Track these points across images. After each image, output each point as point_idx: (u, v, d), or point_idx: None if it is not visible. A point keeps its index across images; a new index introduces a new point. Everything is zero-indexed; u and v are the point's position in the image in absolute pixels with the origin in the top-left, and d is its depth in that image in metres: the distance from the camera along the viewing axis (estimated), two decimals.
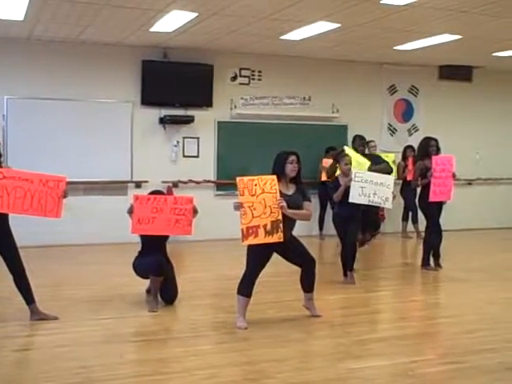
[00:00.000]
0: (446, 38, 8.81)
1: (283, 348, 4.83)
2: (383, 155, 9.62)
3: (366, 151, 9.34)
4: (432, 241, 7.99)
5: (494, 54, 10.22)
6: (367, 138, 9.53)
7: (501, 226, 12.04)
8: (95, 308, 5.94)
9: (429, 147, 7.86)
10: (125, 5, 7.22)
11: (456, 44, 9.20)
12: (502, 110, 12.25)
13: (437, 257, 8.08)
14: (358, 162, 7.76)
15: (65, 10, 7.52)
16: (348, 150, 7.92)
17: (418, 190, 8.15)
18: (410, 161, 10.38)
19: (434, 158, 7.68)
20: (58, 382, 4.10)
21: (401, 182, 10.52)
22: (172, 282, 6.05)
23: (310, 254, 5.54)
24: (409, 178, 9.74)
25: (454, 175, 7.72)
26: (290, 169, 5.34)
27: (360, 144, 8.17)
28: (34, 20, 8.04)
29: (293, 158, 5.35)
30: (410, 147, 10.53)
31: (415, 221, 10.71)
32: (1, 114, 9.28)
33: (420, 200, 8.06)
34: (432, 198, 7.60)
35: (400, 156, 10.82)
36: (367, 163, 7.93)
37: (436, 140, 7.96)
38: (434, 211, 7.83)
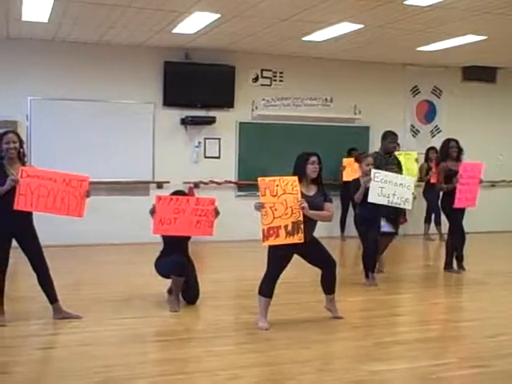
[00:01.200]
0: (470, 38, 8.73)
1: (304, 349, 4.82)
2: (404, 154, 9.56)
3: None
4: (455, 243, 7.92)
5: None
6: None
7: None
8: (117, 307, 5.98)
9: (449, 148, 7.79)
10: (147, 7, 7.27)
11: (480, 45, 9.11)
12: None
13: (460, 259, 8.01)
14: (407, 168, 7.76)
15: (88, 12, 7.59)
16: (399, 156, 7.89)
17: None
18: (433, 162, 10.28)
19: (462, 164, 7.61)
20: (80, 381, 4.12)
21: (424, 183, 10.45)
22: (194, 282, 6.06)
23: (330, 255, 5.52)
24: (432, 180, 9.65)
25: (480, 181, 7.65)
26: (311, 170, 5.33)
27: (392, 141, 7.85)
28: (58, 22, 8.13)
29: (314, 158, 5.34)
30: (432, 148, 10.43)
31: (438, 223, 10.63)
32: (24, 114, 9.39)
33: (443, 203, 7.98)
34: (457, 204, 7.52)
35: (423, 157, 10.73)
36: (415, 167, 7.89)
37: (456, 141, 7.88)
38: (457, 214, 7.76)
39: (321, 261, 5.49)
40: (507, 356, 4.76)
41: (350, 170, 9.41)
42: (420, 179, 10.02)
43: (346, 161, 10.14)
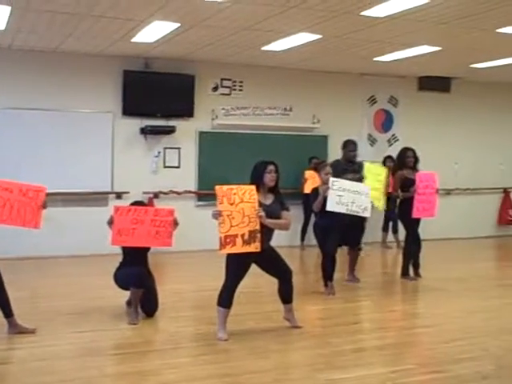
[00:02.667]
0: (426, 49, 8.91)
1: (263, 359, 4.84)
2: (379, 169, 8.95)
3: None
4: (411, 250, 8.05)
5: (472, 66, 10.36)
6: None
7: (479, 236, 12.17)
8: (74, 321, 5.89)
9: (406, 158, 7.94)
10: (106, 15, 7.21)
11: (435, 55, 9.31)
12: (479, 120, 12.41)
13: (416, 266, 8.14)
14: (375, 173, 7.76)
15: (46, 21, 7.50)
16: (367, 164, 7.88)
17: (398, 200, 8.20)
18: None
19: (417, 174, 7.75)
20: None
21: None
22: (153, 293, 6.02)
23: (286, 264, 5.56)
24: (390, 189, 9.76)
25: (437, 191, 7.80)
26: (269, 179, 5.36)
27: (352, 149, 7.96)
28: (15, 29, 8.01)
29: (271, 167, 5.37)
30: (389, 157, 10.58)
31: (395, 231, 10.79)
32: None
33: (400, 211, 8.13)
34: (415, 214, 7.65)
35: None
36: (384, 172, 7.90)
37: (413, 150, 8.03)
38: (413, 222, 7.90)
39: (277, 270, 5.52)
40: (462, 361, 4.85)
41: (311, 183, 9.40)
42: None
43: (308, 173, 10.21)
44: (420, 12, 6.82)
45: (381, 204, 7.99)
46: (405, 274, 8.08)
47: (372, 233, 10.95)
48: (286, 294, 5.60)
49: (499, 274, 9.27)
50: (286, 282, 5.54)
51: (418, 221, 7.95)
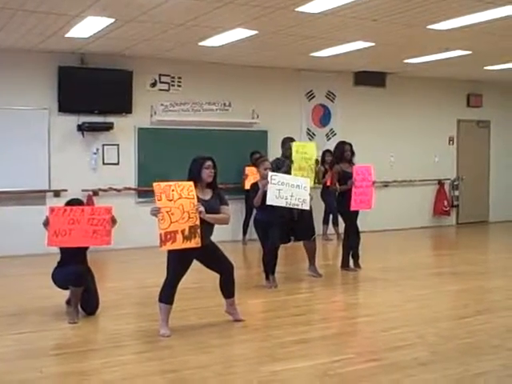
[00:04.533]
0: (360, 45, 9.09)
1: (206, 354, 4.85)
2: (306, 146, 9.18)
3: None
4: (351, 243, 8.22)
5: (405, 61, 10.63)
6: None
7: (415, 227, 12.54)
8: (11, 322, 5.77)
9: (343, 152, 8.10)
10: (38, 10, 7.05)
11: (369, 51, 9.51)
12: (414, 114, 12.76)
13: (356, 258, 8.31)
14: (302, 152, 7.69)
15: None
16: (294, 143, 7.80)
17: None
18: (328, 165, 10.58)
19: (354, 167, 7.90)
20: None
21: (321, 186, 10.72)
22: (93, 292, 5.95)
23: (228, 259, 5.59)
24: (328, 182, 9.90)
25: (373, 183, 7.98)
26: (207, 174, 5.37)
27: (290, 146, 8.07)
28: None
29: (209, 163, 5.38)
30: (328, 151, 10.74)
31: (335, 223, 10.99)
32: None
33: (338, 204, 8.28)
34: (353, 207, 7.82)
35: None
36: (312, 148, 7.82)
37: (350, 144, 8.21)
38: (351, 214, 8.07)
39: (219, 265, 5.54)
40: (399, 348, 5.00)
41: (252, 179, 9.44)
42: (318, 182, 10.23)
43: (249, 169, 10.24)
44: (352, 8, 6.96)
45: (311, 180, 7.76)
46: (345, 265, 8.24)
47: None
48: (227, 289, 5.63)
49: (435, 263, 9.57)
50: (227, 276, 5.57)
51: (356, 213, 8.12)
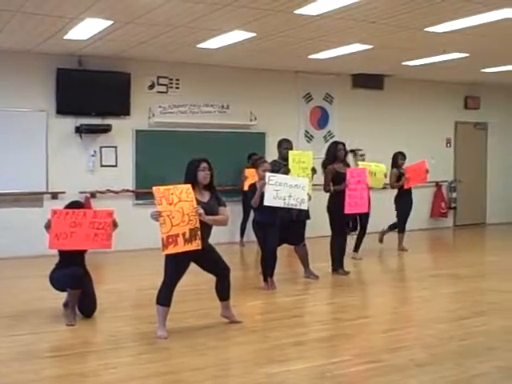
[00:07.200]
0: (358, 47, 9.10)
1: (203, 356, 4.86)
2: (374, 165, 9.23)
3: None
4: (338, 245, 8.10)
5: (403, 63, 10.65)
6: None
7: (413, 229, 12.46)
8: (10, 324, 5.77)
9: (337, 151, 8.08)
10: (36, 12, 7.06)
11: (367, 53, 9.52)
12: (411, 116, 12.77)
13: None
14: (299, 161, 7.65)
15: None
16: (291, 152, 7.79)
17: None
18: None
19: (348, 170, 7.88)
20: None
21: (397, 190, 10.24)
22: (90, 294, 5.95)
23: (224, 262, 5.60)
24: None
25: (368, 186, 7.94)
26: (203, 176, 5.38)
27: (286, 147, 8.06)
28: None
29: (204, 165, 5.39)
30: (400, 153, 10.23)
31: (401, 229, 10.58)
32: None
33: (329, 205, 8.08)
34: (347, 209, 7.73)
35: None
36: (310, 157, 7.77)
37: (343, 143, 8.20)
38: (342, 217, 7.93)
39: (215, 268, 5.55)
40: (396, 350, 5.01)
41: (252, 180, 9.39)
42: (391, 186, 10.00)
43: (248, 171, 10.20)
44: (350, 11, 6.97)
45: (309, 190, 7.80)
46: (335, 269, 8.13)
47: (313, 227, 11.10)
48: (223, 291, 5.63)
49: (432, 265, 9.58)
50: (223, 279, 5.58)
51: (345, 217, 8.00)
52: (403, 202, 10.05)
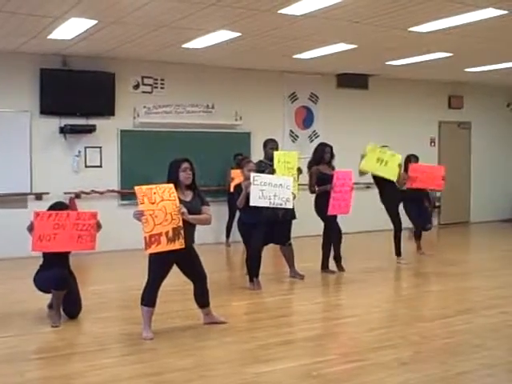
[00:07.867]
0: (342, 47, 9.13)
1: (189, 357, 4.86)
2: (390, 154, 8.76)
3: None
4: (330, 244, 8.16)
5: (388, 63, 10.70)
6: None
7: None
8: None
9: (324, 153, 8.12)
10: (19, 11, 7.01)
11: (351, 53, 9.55)
12: (395, 115, 12.83)
13: (338, 259, 8.31)
14: (284, 162, 7.63)
15: None
16: (276, 153, 7.76)
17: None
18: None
19: (335, 173, 7.91)
20: None
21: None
22: (75, 295, 5.92)
23: (203, 269, 5.58)
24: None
25: (351, 188, 7.96)
26: (184, 177, 5.38)
27: (272, 147, 8.08)
28: None
29: (186, 165, 5.39)
30: (413, 156, 9.84)
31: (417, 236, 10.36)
32: None
33: (316, 206, 8.16)
34: (331, 211, 7.82)
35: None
36: (295, 158, 7.73)
37: (331, 147, 8.23)
38: (330, 217, 7.99)
39: (193, 273, 5.54)
40: (382, 349, 5.03)
41: (238, 181, 9.37)
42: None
43: (234, 172, 10.18)
44: (334, 11, 6.99)
45: (295, 190, 7.78)
46: (324, 267, 8.21)
47: (300, 226, 11.12)
48: (202, 298, 5.62)
49: (416, 264, 9.61)
50: (200, 285, 5.56)
51: (335, 216, 8.09)
52: (413, 209, 9.66)
